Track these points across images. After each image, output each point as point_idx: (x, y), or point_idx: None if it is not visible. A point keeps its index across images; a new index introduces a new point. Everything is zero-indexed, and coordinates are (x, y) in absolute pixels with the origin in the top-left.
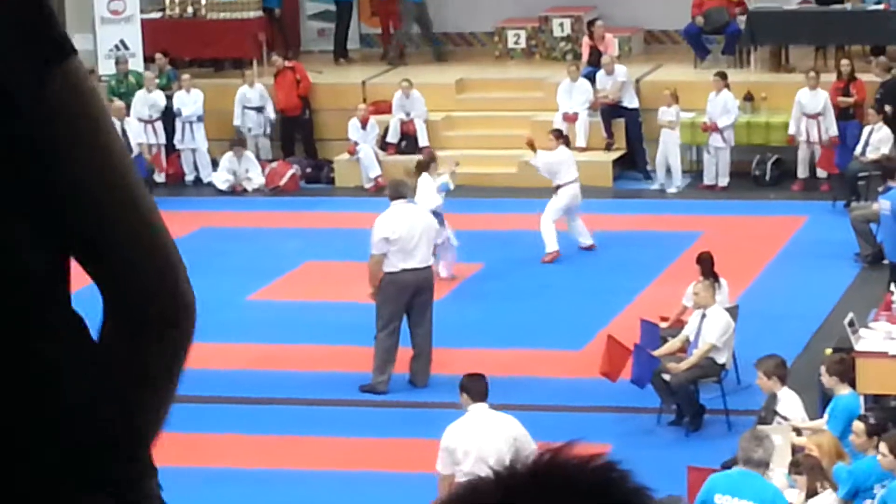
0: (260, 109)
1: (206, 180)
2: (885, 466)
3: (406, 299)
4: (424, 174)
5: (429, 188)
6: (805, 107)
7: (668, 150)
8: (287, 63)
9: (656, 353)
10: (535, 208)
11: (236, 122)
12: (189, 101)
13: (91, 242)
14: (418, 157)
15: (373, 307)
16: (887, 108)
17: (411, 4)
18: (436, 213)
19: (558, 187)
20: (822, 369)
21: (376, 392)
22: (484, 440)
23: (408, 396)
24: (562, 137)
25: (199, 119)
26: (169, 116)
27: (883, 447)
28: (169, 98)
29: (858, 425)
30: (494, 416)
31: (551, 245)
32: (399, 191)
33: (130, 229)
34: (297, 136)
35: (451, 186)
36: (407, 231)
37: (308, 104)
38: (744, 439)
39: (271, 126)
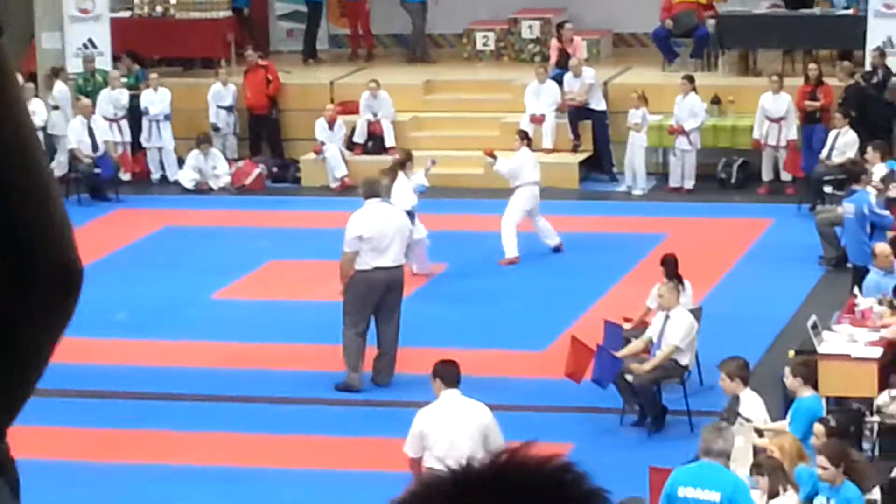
0: (231, 108)
1: (171, 178)
2: (823, 478)
3: (376, 298)
4: (401, 174)
5: (405, 188)
6: (768, 110)
7: (633, 153)
8: (260, 61)
9: (619, 353)
10: (502, 209)
11: (212, 119)
12: (156, 99)
13: None
14: (385, 157)
15: (337, 305)
16: (851, 112)
17: (418, 4)
18: (409, 213)
19: (516, 188)
20: (786, 371)
21: (352, 390)
22: (456, 426)
23: (372, 395)
24: (526, 139)
25: (167, 118)
26: (135, 115)
27: (822, 460)
28: (135, 97)
29: (819, 427)
30: (466, 403)
31: (510, 251)
32: (373, 189)
33: (31, 202)
34: (264, 134)
35: (426, 186)
36: (380, 230)
37: (276, 103)
38: (705, 430)
39: (239, 125)
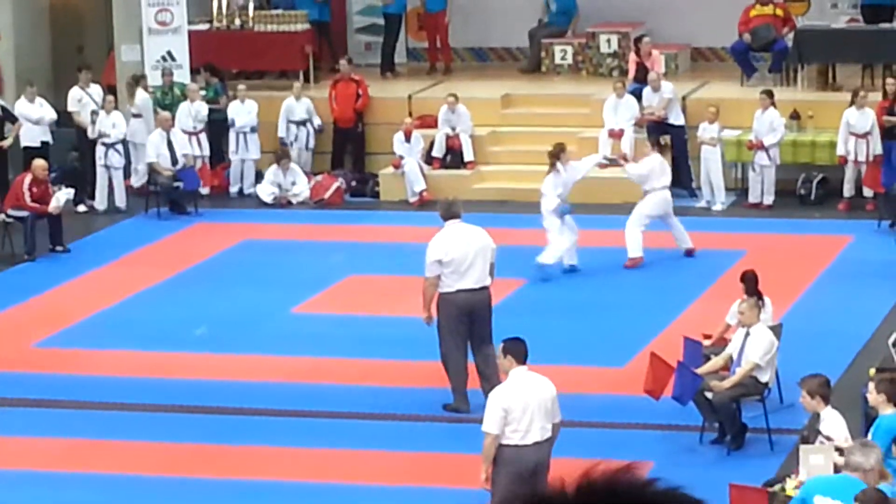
0: (303, 123)
1: (247, 191)
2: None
3: (465, 318)
4: (558, 165)
5: (554, 185)
6: (853, 126)
7: (709, 168)
8: (353, 75)
9: (699, 370)
10: (580, 224)
11: (281, 133)
12: (243, 111)
13: None
14: (463, 171)
15: (416, 322)
16: None
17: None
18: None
19: (646, 193)
20: (870, 387)
21: (461, 412)
22: (532, 401)
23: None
24: (657, 145)
25: (253, 130)
26: (214, 128)
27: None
28: (214, 110)
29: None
30: (536, 378)
31: (634, 250)
32: (451, 210)
33: None
34: (349, 148)
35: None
36: (460, 252)
37: (362, 118)
38: (851, 445)
39: (315, 139)
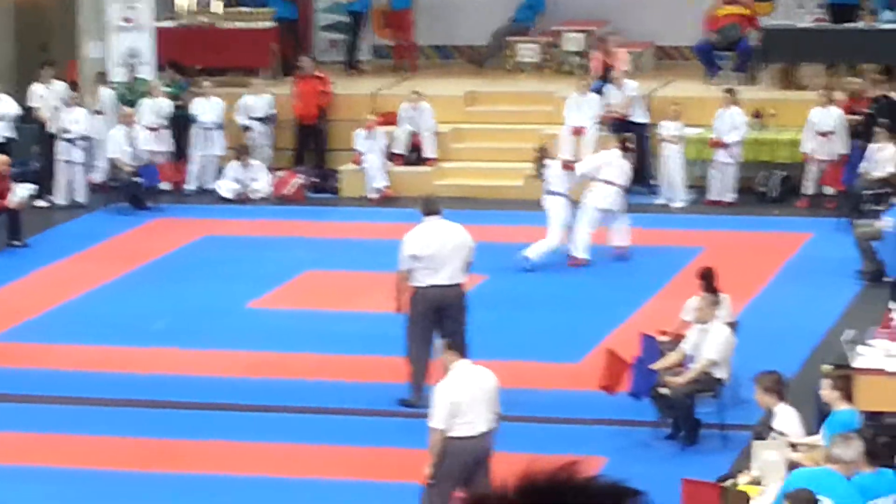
0: (264, 119)
1: (207, 187)
2: None
3: (434, 315)
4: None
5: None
6: (817, 125)
7: (670, 165)
8: (316, 72)
9: (655, 366)
10: (541, 221)
11: (241, 122)
12: (208, 108)
13: None
14: (425, 168)
15: (373, 316)
16: (881, 121)
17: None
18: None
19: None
20: (825, 383)
21: (411, 404)
22: (476, 394)
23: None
24: (623, 145)
25: (219, 127)
26: (178, 125)
27: None
28: (179, 107)
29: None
30: (478, 369)
31: (583, 251)
32: (431, 206)
33: None
34: (311, 145)
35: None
36: (436, 248)
37: (325, 115)
38: (833, 438)
39: (274, 135)
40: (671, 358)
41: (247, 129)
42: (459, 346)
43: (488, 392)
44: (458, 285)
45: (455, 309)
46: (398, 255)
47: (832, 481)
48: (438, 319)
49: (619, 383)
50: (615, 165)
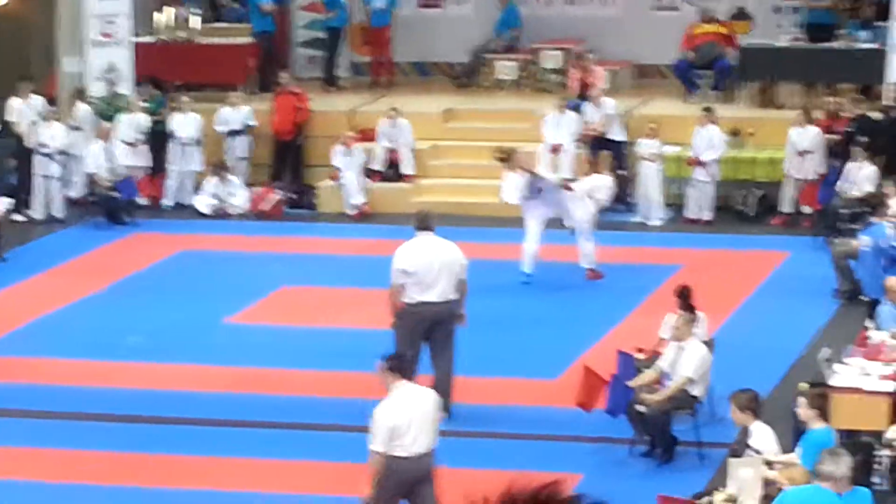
0: (240, 133)
1: (185, 202)
2: None
3: (423, 331)
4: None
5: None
6: (796, 144)
7: (648, 183)
8: (294, 88)
9: (631, 383)
10: (518, 238)
11: (221, 129)
12: (185, 123)
13: None
14: (403, 184)
15: (349, 332)
16: (860, 140)
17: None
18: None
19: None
20: (801, 401)
21: None
22: (417, 412)
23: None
24: (613, 169)
25: (197, 142)
26: (156, 140)
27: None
28: (157, 122)
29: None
30: (418, 390)
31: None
32: (424, 222)
33: None
34: (288, 160)
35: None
36: (425, 264)
37: (302, 130)
38: (822, 454)
39: (251, 149)
40: (648, 375)
41: (231, 133)
42: (402, 368)
43: (428, 413)
44: (449, 302)
45: (445, 326)
46: (390, 269)
47: (824, 499)
48: (428, 336)
49: (596, 400)
50: (606, 188)
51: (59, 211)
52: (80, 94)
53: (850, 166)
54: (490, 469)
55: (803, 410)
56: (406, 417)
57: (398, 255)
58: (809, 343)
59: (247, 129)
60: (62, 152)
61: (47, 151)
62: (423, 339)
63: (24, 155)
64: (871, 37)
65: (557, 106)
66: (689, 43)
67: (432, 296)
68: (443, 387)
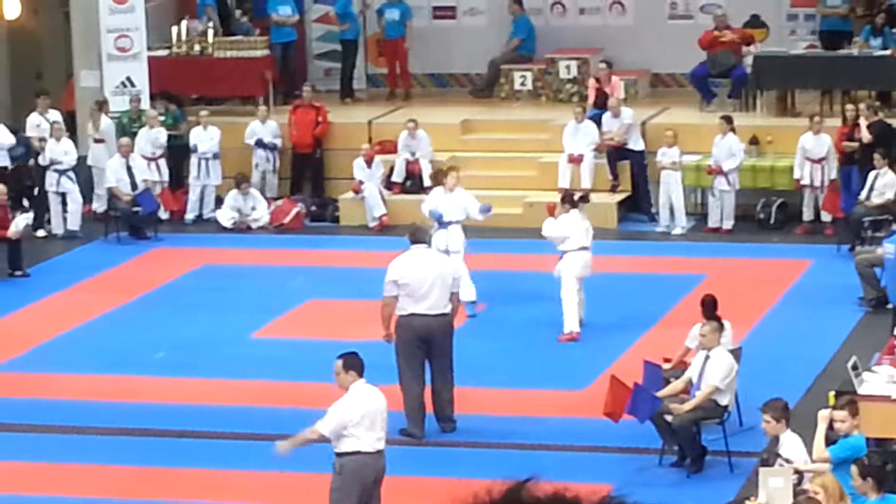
0: (270, 147)
1: (206, 216)
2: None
3: (420, 343)
4: (438, 187)
5: (433, 201)
6: (809, 151)
7: (670, 192)
8: (314, 102)
9: (659, 393)
10: (539, 249)
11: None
12: (205, 137)
13: None
14: (423, 195)
15: (376, 345)
16: (879, 150)
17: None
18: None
19: (563, 254)
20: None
21: (414, 437)
22: (371, 408)
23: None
24: (571, 202)
25: (216, 156)
26: (174, 154)
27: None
28: (173, 136)
29: (854, 469)
30: (372, 389)
31: (571, 324)
32: (418, 235)
33: None
34: (307, 173)
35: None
36: (418, 276)
37: (321, 143)
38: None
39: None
40: (675, 385)
41: (258, 144)
42: (356, 366)
43: (381, 412)
44: (443, 315)
45: (443, 338)
46: (383, 282)
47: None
48: (427, 347)
49: (623, 410)
50: (579, 229)
51: (76, 225)
52: (103, 107)
53: (872, 174)
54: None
55: (847, 424)
56: (360, 412)
57: (391, 268)
58: (836, 351)
59: (272, 145)
60: (75, 168)
61: (61, 168)
62: (423, 352)
63: (40, 171)
64: (884, 43)
65: (576, 116)
66: (710, 48)
67: (424, 307)
68: (443, 400)
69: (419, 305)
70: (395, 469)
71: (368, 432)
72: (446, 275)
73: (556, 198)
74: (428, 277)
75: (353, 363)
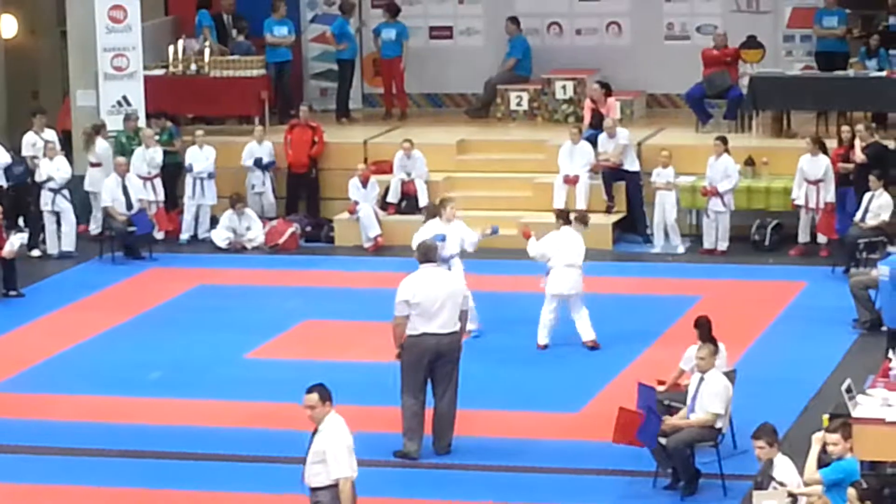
0: (269, 167)
1: (201, 236)
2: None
3: (427, 363)
4: (434, 219)
5: (429, 230)
6: (806, 173)
7: (666, 211)
8: (311, 122)
9: (669, 422)
10: (535, 270)
11: (246, 163)
12: (201, 157)
13: None
14: (419, 216)
15: (372, 366)
16: (874, 172)
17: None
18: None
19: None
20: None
21: (408, 457)
22: (348, 443)
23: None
24: (563, 218)
25: (210, 176)
26: (169, 173)
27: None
28: (167, 153)
29: (852, 491)
30: (340, 421)
31: (541, 336)
32: (428, 255)
33: None
34: (303, 193)
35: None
36: (429, 296)
37: (316, 163)
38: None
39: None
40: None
41: (258, 165)
42: (330, 397)
43: (350, 445)
44: (452, 333)
45: (449, 357)
46: (394, 301)
47: None
48: (432, 367)
49: (634, 437)
50: (568, 245)
51: (71, 245)
52: (99, 131)
53: (867, 195)
54: (515, 502)
55: (840, 447)
56: (350, 442)
57: (402, 287)
58: (830, 374)
59: (268, 165)
60: (68, 186)
61: (54, 186)
62: (428, 371)
63: (35, 190)
64: (880, 65)
65: (571, 136)
66: (707, 68)
67: (435, 326)
68: (444, 421)
69: (430, 325)
70: (390, 491)
71: (352, 461)
72: (457, 293)
73: (551, 219)
74: (440, 296)
75: (329, 394)
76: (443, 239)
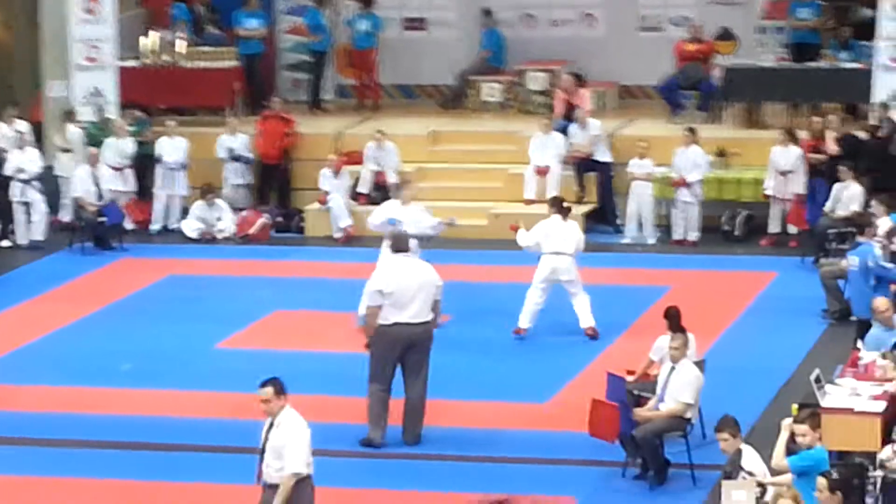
0: (244, 159)
1: (171, 227)
2: None
3: (398, 353)
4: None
5: (385, 212)
6: (778, 163)
7: (641, 203)
8: (283, 113)
9: (639, 412)
10: (505, 261)
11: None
12: (172, 147)
13: None
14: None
15: (342, 356)
16: (845, 163)
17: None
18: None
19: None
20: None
21: (373, 445)
22: (305, 437)
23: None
24: (556, 206)
25: (183, 167)
26: (141, 164)
27: None
28: (140, 145)
29: (822, 481)
30: (297, 416)
31: (522, 320)
32: (400, 245)
33: None
34: (274, 184)
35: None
36: (402, 285)
37: (288, 154)
38: None
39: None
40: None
41: (234, 158)
42: (285, 390)
43: (308, 440)
44: (424, 323)
45: (422, 347)
46: (365, 291)
47: None
48: (403, 357)
49: (615, 430)
50: (558, 233)
51: (40, 235)
52: (70, 117)
53: (837, 186)
54: (482, 493)
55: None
56: (308, 437)
57: (374, 277)
58: (800, 364)
59: (242, 157)
60: (40, 177)
61: (25, 177)
62: (398, 361)
63: (4, 181)
64: (852, 56)
65: (543, 127)
66: (682, 59)
67: (406, 316)
68: (415, 411)
69: (403, 314)
70: (359, 482)
71: (309, 457)
72: (430, 283)
73: (522, 209)
74: (412, 286)
75: (284, 387)
76: (393, 223)
